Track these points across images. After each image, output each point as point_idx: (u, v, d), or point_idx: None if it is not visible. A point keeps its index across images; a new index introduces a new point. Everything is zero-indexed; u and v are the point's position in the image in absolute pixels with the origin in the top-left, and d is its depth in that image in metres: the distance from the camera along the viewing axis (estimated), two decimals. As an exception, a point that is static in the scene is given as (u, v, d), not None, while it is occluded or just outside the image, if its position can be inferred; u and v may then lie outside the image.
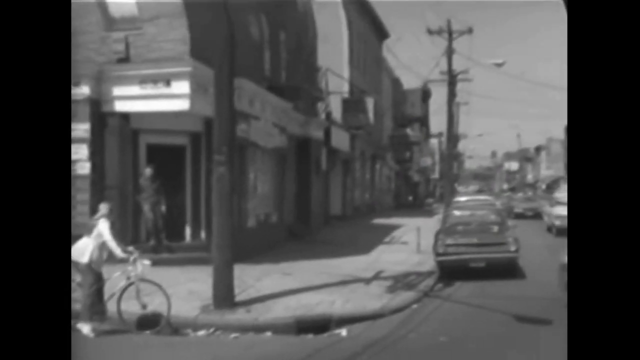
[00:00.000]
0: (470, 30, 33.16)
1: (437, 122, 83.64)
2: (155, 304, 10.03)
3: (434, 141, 76.43)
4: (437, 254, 15.38)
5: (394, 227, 28.43)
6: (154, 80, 14.56)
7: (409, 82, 63.68)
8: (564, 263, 10.80)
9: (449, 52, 32.66)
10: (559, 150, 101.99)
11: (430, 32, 33.03)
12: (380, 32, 44.31)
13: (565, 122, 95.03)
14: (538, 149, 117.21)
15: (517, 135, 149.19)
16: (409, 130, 57.81)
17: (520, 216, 37.68)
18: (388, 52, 45.99)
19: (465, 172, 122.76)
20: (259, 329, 10.15)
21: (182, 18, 14.97)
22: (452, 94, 35.00)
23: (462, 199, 31.63)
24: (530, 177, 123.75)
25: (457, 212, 18.36)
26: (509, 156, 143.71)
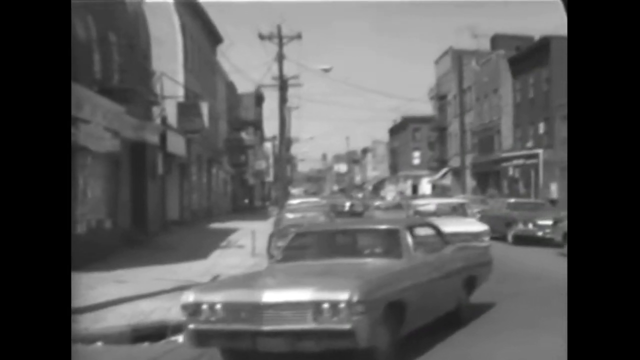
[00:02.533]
0: (299, 36, 33.75)
1: (271, 126, 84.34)
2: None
3: (268, 145, 77.14)
4: (271, 257, 15.40)
5: (230, 231, 28.19)
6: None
7: (244, 86, 63.81)
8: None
9: (280, 58, 33.02)
10: (384, 152, 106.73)
11: (261, 37, 33.22)
12: (214, 37, 43.90)
13: (388, 125, 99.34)
14: (364, 151, 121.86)
15: (345, 138, 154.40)
16: (243, 134, 57.88)
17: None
18: (222, 56, 45.72)
19: (299, 175, 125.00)
20: (89, 339, 9.56)
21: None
22: (283, 99, 35.43)
23: (295, 201, 32.11)
24: (358, 179, 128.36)
25: (289, 215, 18.51)
26: (338, 158, 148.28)
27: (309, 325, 6.45)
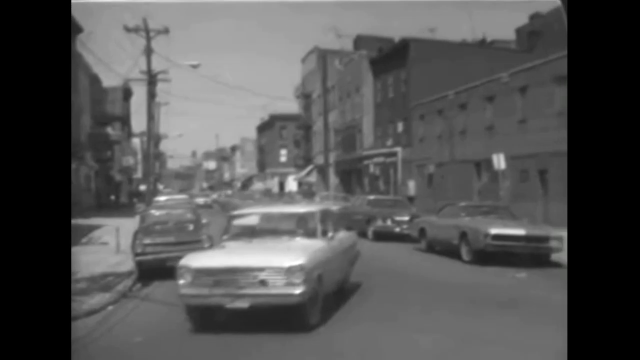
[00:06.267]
0: (166, 30, 32.70)
1: (139, 122, 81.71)
2: None
3: (136, 140, 74.48)
4: (136, 254, 14.72)
5: (93, 228, 26.86)
6: None
7: (110, 79, 61.17)
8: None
9: (148, 51, 31.82)
10: (252, 149, 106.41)
11: (127, 29, 31.94)
12: (73, 26, 41.52)
13: (257, 123, 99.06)
14: (233, 149, 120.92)
15: (215, 135, 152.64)
16: (109, 129, 55.44)
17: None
18: (82, 47, 43.38)
19: (168, 172, 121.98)
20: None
21: None
22: (152, 94, 34.20)
23: (162, 198, 31.16)
24: (227, 176, 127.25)
25: (155, 212, 17.90)
26: (207, 155, 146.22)
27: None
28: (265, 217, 11.43)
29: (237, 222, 11.02)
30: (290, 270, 8.53)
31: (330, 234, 10.53)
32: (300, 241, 9.94)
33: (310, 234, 10.22)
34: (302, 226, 10.62)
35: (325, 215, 11.20)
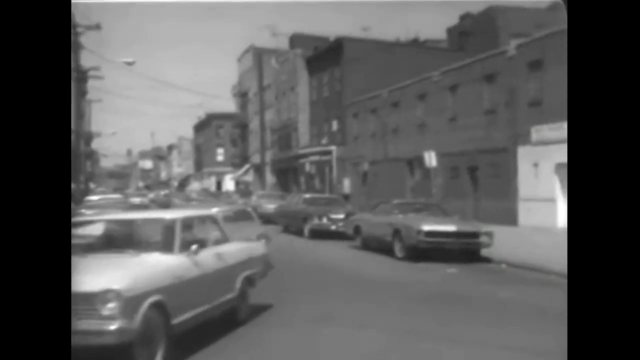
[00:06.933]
0: (98, 27, 31.77)
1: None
2: None
3: (66, 140, 72.28)
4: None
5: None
6: None
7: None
8: None
9: (76, 47, 30.82)
10: (189, 148, 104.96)
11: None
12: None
13: (193, 121, 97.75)
14: (170, 148, 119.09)
15: (151, 134, 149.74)
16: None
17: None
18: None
19: (101, 170, 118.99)
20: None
21: None
22: (81, 91, 33.22)
23: (94, 197, 30.31)
24: (163, 175, 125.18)
25: (86, 212, 17.37)
26: (143, 154, 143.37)
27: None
28: (115, 225, 8.89)
29: (80, 230, 8.29)
30: (100, 297, 6.01)
31: (194, 247, 7.66)
32: (144, 257, 7.33)
33: (166, 247, 7.62)
34: (161, 236, 8.06)
35: (201, 221, 9.32)
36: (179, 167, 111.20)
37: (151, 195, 64.71)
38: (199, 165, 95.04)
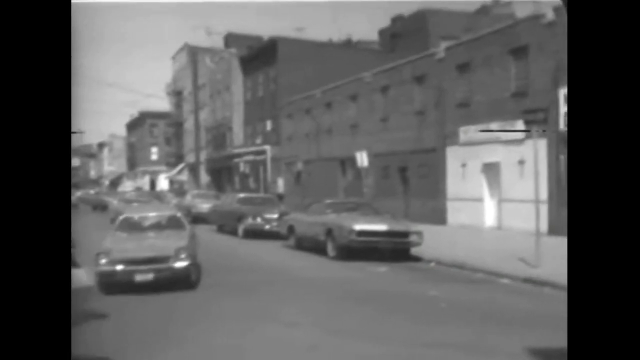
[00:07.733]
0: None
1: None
2: None
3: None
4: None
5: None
6: None
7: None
8: None
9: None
10: (121, 146, 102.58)
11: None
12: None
13: (126, 120, 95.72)
14: (101, 146, 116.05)
15: (79, 131, 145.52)
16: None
17: None
18: None
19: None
20: None
21: None
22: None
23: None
24: (93, 173, 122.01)
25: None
26: (72, 152, 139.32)
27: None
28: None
29: None
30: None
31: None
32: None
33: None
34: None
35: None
36: (110, 165, 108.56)
37: (78, 193, 62.89)
38: (132, 164, 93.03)
